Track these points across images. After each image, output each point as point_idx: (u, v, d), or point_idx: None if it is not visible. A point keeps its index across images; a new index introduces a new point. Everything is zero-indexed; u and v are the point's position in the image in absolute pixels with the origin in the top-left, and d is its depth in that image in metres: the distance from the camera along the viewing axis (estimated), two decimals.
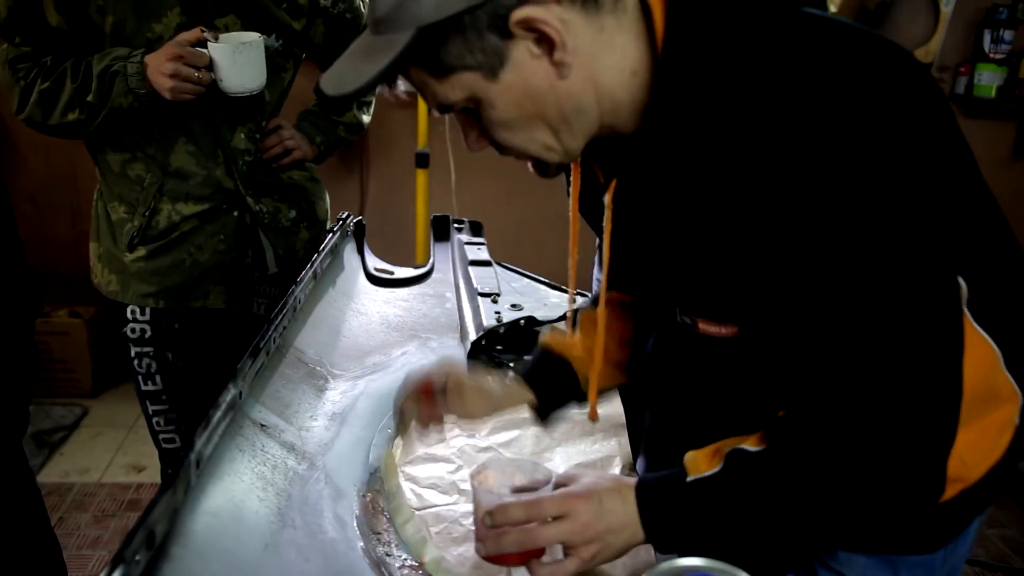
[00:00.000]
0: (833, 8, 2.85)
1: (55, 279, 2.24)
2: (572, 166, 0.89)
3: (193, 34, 1.39)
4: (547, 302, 1.54)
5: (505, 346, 1.45)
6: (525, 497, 0.83)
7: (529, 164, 0.82)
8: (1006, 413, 0.82)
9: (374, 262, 1.66)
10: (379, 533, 0.97)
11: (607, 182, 0.85)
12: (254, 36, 1.45)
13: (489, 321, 1.44)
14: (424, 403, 1.01)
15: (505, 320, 1.42)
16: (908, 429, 0.72)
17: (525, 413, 1.06)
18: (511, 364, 1.31)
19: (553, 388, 1.04)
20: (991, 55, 3.07)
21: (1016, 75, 3.11)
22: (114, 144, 1.52)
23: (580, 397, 1.03)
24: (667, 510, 0.79)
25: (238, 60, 1.41)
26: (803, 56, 0.69)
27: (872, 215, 0.67)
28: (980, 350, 0.78)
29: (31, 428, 1.44)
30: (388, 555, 0.93)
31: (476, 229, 1.84)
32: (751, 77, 0.69)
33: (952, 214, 0.71)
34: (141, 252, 1.54)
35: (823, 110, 0.67)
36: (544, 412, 1.05)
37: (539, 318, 1.39)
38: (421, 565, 0.92)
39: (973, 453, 0.80)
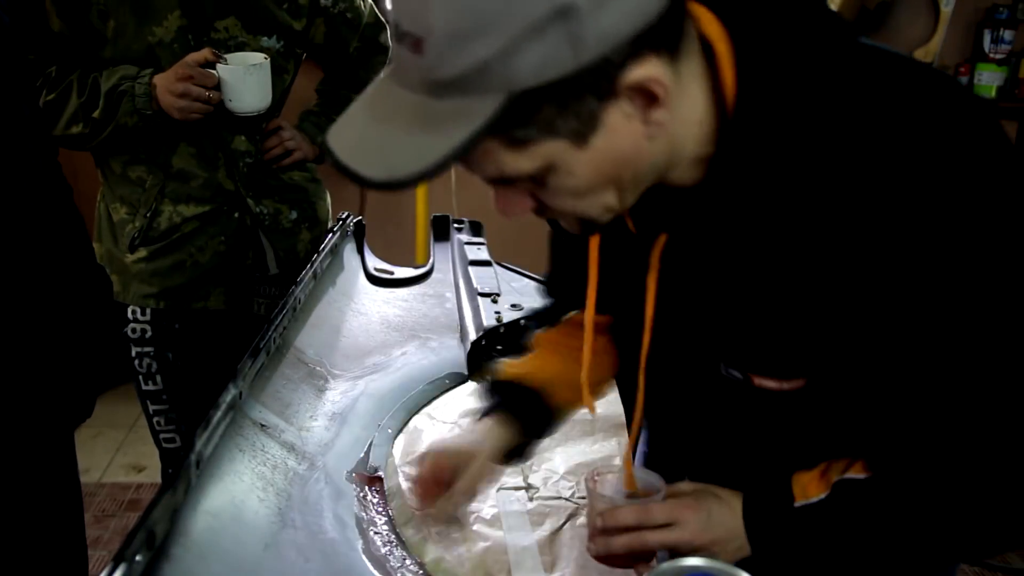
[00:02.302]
0: (833, 8, 2.85)
1: None
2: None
3: (202, 55, 1.41)
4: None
5: (505, 346, 1.45)
6: (637, 503, 0.85)
7: (571, 222, 0.72)
8: None
9: (374, 262, 1.66)
10: (379, 533, 0.97)
11: (646, 234, 0.77)
12: (260, 58, 1.46)
13: (489, 321, 1.44)
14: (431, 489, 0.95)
15: (505, 320, 1.42)
16: None
17: None
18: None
19: (534, 423, 0.98)
20: (991, 55, 3.07)
21: (1016, 75, 3.12)
22: (116, 147, 1.52)
23: (552, 425, 0.99)
24: (775, 532, 0.79)
25: (248, 81, 1.43)
26: (879, 100, 0.64)
27: (986, 254, 0.63)
28: None
29: None
30: (388, 555, 0.93)
31: (476, 229, 1.84)
32: (827, 125, 0.65)
33: None
34: (142, 253, 1.54)
35: (915, 157, 0.62)
36: (522, 449, 0.99)
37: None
38: (421, 565, 0.92)
39: None
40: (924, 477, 0.73)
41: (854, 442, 0.77)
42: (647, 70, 0.59)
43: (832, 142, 0.64)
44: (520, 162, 0.62)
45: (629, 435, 0.91)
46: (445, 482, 0.92)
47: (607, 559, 0.86)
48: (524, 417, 0.96)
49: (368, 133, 0.63)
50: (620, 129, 0.61)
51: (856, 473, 0.76)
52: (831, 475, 0.78)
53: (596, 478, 0.90)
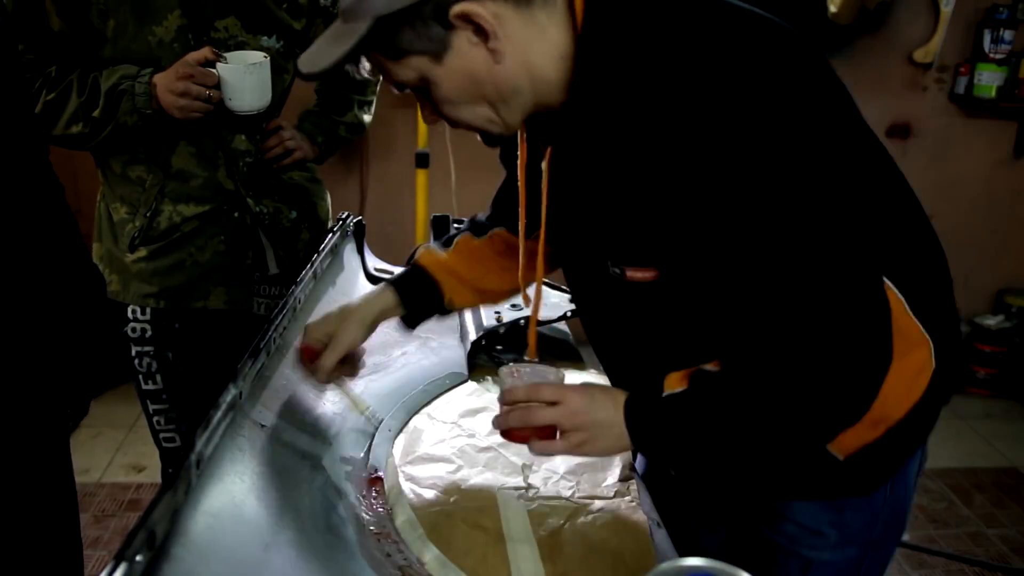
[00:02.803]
0: (833, 8, 2.85)
1: None
2: (520, 140, 1.02)
3: (202, 54, 1.40)
4: (547, 302, 1.54)
5: (505, 346, 1.45)
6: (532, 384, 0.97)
7: (477, 135, 0.93)
8: (920, 356, 0.90)
9: (374, 262, 1.66)
10: (379, 533, 0.97)
11: (536, 149, 0.98)
12: (260, 56, 1.46)
13: (489, 321, 1.44)
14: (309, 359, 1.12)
15: (505, 320, 1.42)
16: (847, 345, 0.80)
17: None
18: (510, 364, 1.32)
19: (420, 301, 1.18)
20: (991, 55, 3.07)
21: (1016, 75, 3.11)
22: (116, 146, 1.52)
23: (441, 311, 1.20)
24: (646, 418, 0.89)
25: (247, 80, 1.43)
26: (700, 37, 0.79)
27: (769, 164, 0.77)
28: (887, 292, 0.86)
29: None
30: (388, 555, 0.93)
31: None
32: (655, 55, 0.80)
33: (845, 166, 0.81)
34: (142, 252, 1.54)
35: (716, 81, 0.77)
36: (410, 321, 1.19)
37: (539, 318, 1.39)
38: (421, 565, 0.92)
39: (893, 393, 0.87)
40: (755, 367, 0.84)
41: (708, 336, 0.89)
42: (469, 6, 0.80)
43: (653, 68, 0.80)
44: (401, 72, 0.86)
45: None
46: (318, 350, 1.10)
47: (507, 434, 0.96)
48: (410, 297, 1.17)
49: (315, 47, 0.88)
50: (467, 53, 0.83)
51: (711, 367, 0.87)
52: (691, 373, 0.89)
53: (514, 370, 1.02)
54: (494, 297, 1.27)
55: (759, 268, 0.80)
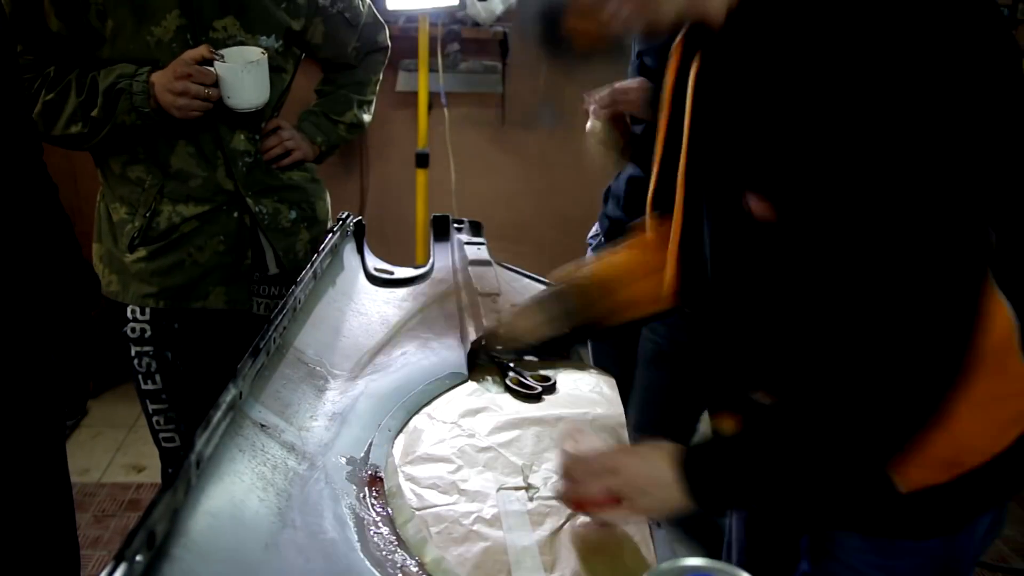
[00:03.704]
0: None
1: None
2: (672, 56, 0.99)
3: (199, 52, 1.40)
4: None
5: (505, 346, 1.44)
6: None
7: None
8: (1020, 405, 0.81)
9: (374, 262, 1.66)
10: (379, 533, 0.97)
11: (687, 62, 0.94)
12: (258, 53, 1.46)
13: (489, 321, 1.44)
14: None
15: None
16: (916, 345, 0.73)
17: (525, 413, 1.07)
18: (511, 364, 1.31)
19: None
20: None
21: None
22: (115, 147, 1.52)
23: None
24: (703, 468, 0.84)
25: (245, 78, 1.43)
26: None
27: (909, 121, 0.69)
28: (999, 317, 0.77)
29: None
30: (388, 555, 0.93)
31: (476, 229, 1.84)
32: None
33: (991, 153, 0.72)
34: (141, 253, 1.54)
35: (883, 6, 0.70)
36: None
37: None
38: (421, 565, 0.92)
39: (977, 438, 0.80)
40: (814, 379, 0.78)
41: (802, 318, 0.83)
42: None
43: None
44: None
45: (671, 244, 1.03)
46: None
47: (571, 503, 0.95)
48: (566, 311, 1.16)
49: None
50: None
51: (762, 398, 0.84)
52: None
53: (573, 439, 1.00)
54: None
55: (854, 224, 0.73)
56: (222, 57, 1.42)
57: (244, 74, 1.43)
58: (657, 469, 0.85)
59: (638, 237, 1.17)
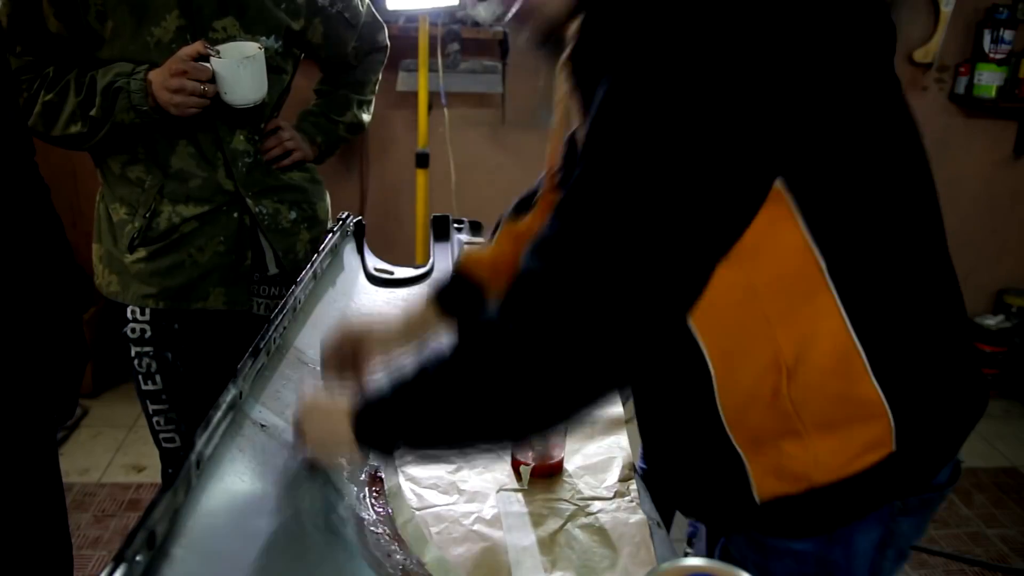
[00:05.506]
0: None
1: None
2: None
3: (195, 48, 1.39)
4: None
5: None
6: None
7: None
8: (876, 431, 0.79)
9: (374, 262, 1.66)
10: (379, 533, 0.97)
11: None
12: (254, 48, 1.45)
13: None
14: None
15: None
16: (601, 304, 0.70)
17: None
18: None
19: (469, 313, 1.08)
20: (991, 55, 3.07)
21: (1016, 75, 3.12)
22: (114, 147, 1.52)
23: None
24: (367, 425, 0.85)
25: (242, 73, 1.42)
26: None
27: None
28: (830, 329, 0.75)
29: None
30: (388, 555, 0.93)
31: (476, 229, 1.84)
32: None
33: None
34: (141, 253, 1.54)
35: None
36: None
37: None
38: (421, 565, 0.92)
39: (822, 457, 0.79)
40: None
41: None
42: None
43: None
44: None
45: None
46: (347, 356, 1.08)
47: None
48: (454, 309, 1.09)
49: None
50: None
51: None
52: None
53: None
54: None
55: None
56: (218, 53, 1.41)
57: (241, 69, 1.42)
58: (336, 433, 0.87)
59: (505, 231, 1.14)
